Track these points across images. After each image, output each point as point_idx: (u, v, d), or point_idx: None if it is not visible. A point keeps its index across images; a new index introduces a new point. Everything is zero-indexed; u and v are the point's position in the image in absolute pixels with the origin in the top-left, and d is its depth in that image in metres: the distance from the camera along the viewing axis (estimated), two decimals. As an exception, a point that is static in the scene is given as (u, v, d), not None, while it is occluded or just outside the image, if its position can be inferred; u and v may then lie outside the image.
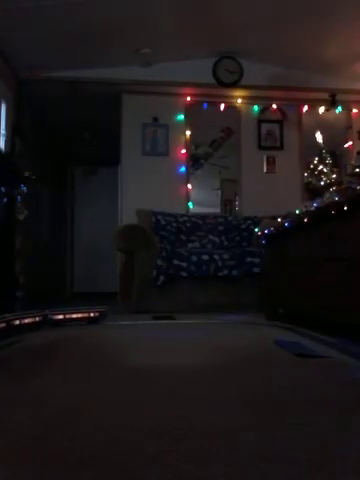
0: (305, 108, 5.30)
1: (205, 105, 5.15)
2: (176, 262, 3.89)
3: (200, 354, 1.93)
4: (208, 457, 0.84)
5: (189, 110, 5.14)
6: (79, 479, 0.77)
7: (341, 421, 1.05)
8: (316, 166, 4.92)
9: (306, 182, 5.15)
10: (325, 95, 4.96)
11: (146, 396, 1.28)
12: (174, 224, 4.60)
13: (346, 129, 5.31)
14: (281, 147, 5.26)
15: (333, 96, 4.93)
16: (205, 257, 3.94)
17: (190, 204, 5.09)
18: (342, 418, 1.07)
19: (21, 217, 3.13)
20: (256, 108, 5.27)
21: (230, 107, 5.23)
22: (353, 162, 4.52)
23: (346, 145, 5.27)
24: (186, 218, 4.72)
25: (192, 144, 5.19)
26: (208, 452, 0.87)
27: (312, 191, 4.89)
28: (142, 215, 4.59)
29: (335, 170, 4.88)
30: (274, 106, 5.27)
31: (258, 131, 5.25)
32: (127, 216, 4.75)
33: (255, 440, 0.93)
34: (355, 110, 5.34)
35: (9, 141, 4.34)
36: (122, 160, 5.06)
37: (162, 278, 3.85)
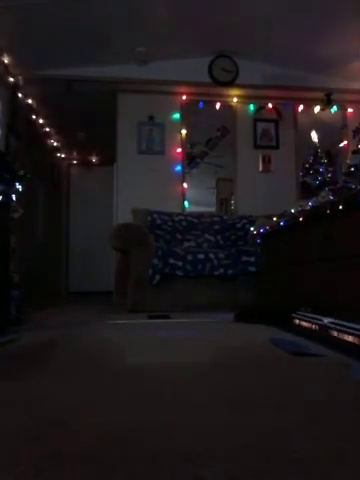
0: (300, 107, 5.31)
1: (201, 104, 5.15)
2: (172, 261, 3.88)
3: (196, 353, 1.93)
4: (208, 457, 0.84)
5: (185, 109, 5.14)
6: (74, 477, 0.76)
7: (340, 420, 1.05)
8: (311, 165, 4.93)
9: (301, 181, 5.17)
10: (320, 94, 4.97)
11: (141, 396, 1.28)
12: (170, 223, 4.60)
13: (341, 128, 5.33)
14: (277, 146, 5.27)
15: (328, 95, 4.94)
16: (201, 256, 3.94)
17: (186, 203, 5.09)
18: (341, 417, 1.07)
19: (16, 216, 3.11)
20: (252, 107, 5.27)
21: (226, 106, 5.24)
22: (348, 161, 4.53)
23: (341, 144, 5.29)
24: (182, 217, 4.72)
25: (188, 143, 5.18)
26: (208, 452, 0.87)
27: (307, 190, 4.90)
28: (138, 214, 4.58)
29: (330, 169, 4.89)
30: (270, 105, 5.28)
31: (254, 130, 5.25)
32: (122, 215, 4.74)
33: (255, 440, 0.93)
34: (350, 109, 5.36)
35: (4, 140, 4.31)
36: (118, 159, 5.05)
37: (158, 277, 3.85)
